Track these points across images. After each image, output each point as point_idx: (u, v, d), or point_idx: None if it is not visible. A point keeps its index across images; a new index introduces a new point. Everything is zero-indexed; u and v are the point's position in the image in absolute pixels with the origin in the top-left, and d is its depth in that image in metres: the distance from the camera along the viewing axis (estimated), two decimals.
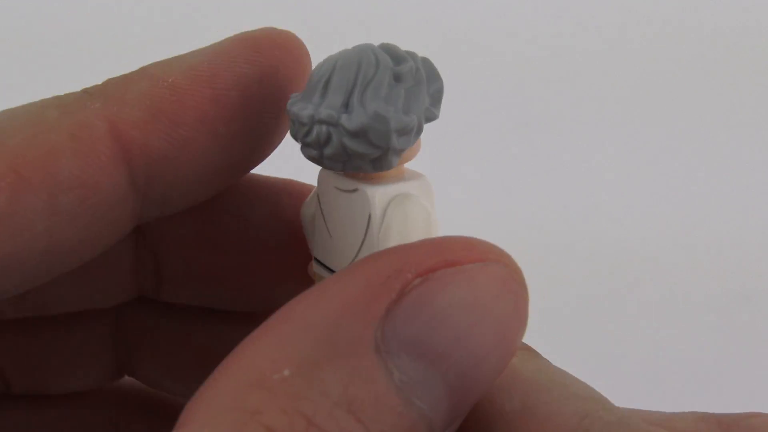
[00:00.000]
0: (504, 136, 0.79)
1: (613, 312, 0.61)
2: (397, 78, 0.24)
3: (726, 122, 0.82)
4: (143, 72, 0.25)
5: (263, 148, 0.26)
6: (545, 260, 0.66)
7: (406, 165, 0.26)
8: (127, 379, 0.32)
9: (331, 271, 0.26)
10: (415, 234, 0.24)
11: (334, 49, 0.24)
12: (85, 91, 0.25)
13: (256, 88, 0.25)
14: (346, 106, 0.23)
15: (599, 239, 0.71)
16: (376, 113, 0.23)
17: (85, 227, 0.23)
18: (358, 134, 0.23)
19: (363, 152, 0.23)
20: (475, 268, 0.19)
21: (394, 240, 0.23)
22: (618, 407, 0.21)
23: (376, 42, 0.25)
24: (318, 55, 0.25)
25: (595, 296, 0.63)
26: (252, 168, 0.27)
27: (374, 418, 0.17)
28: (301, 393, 0.16)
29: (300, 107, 0.23)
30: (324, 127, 0.23)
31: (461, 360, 0.18)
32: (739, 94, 0.83)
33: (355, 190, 0.24)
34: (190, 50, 0.26)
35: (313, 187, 0.27)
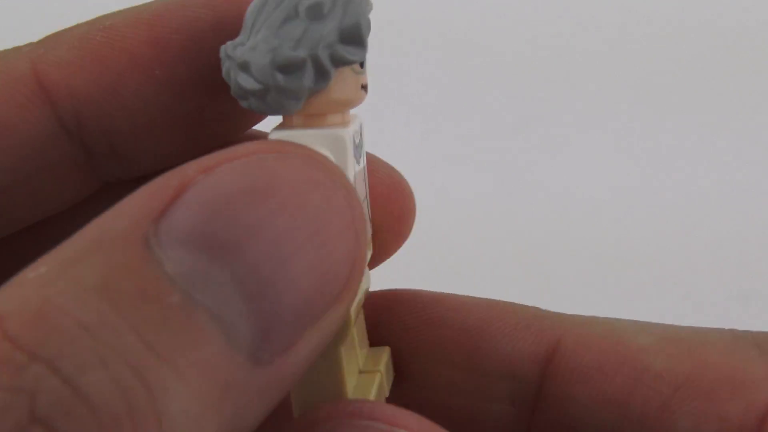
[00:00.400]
0: (505, 133, 0.80)
1: (612, 308, 0.61)
2: (298, 12, 0.23)
3: (727, 119, 0.82)
4: (87, 21, 0.24)
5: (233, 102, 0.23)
6: (545, 259, 0.66)
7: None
8: None
9: None
10: None
11: None
12: (29, 42, 0.24)
13: (209, 33, 0.24)
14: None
15: (599, 238, 0.71)
16: (255, 45, 0.22)
17: (7, 170, 0.23)
18: (242, 67, 0.22)
19: (248, 88, 0.22)
20: (268, 156, 0.18)
21: None
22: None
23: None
24: None
25: (593, 296, 0.63)
26: (241, 127, 0.26)
27: (137, 305, 0.15)
28: (49, 282, 0.15)
29: (225, 46, 0.23)
30: (227, 62, 0.22)
31: (256, 255, 0.16)
32: (740, 92, 0.83)
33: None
34: None
35: None
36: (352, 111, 0.25)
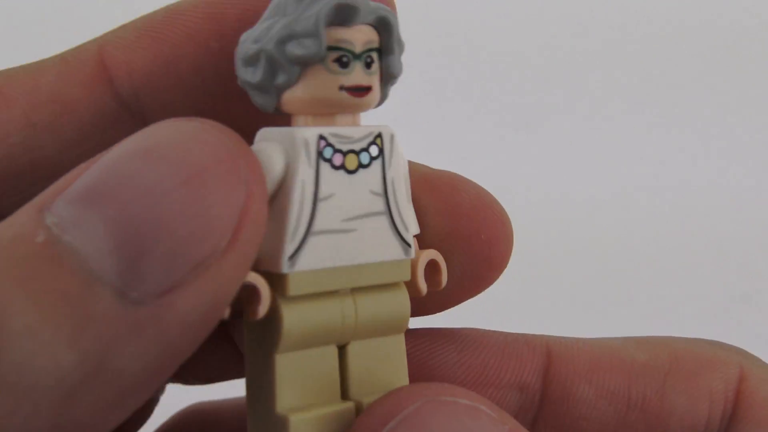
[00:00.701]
0: (504, 124, 0.80)
1: (611, 308, 0.61)
2: (272, 7, 0.23)
3: (728, 122, 0.82)
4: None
5: None
6: (546, 259, 0.66)
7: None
8: None
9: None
10: None
11: None
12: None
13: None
14: None
15: (599, 239, 0.72)
16: (244, 38, 0.23)
17: (72, 145, 0.24)
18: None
19: (240, 79, 0.23)
20: (162, 123, 0.19)
21: None
22: None
23: None
24: None
25: (594, 296, 0.63)
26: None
27: (5, 246, 0.18)
28: None
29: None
30: None
31: (127, 200, 0.18)
32: (741, 94, 0.83)
33: None
34: None
35: None
36: (376, 121, 0.24)
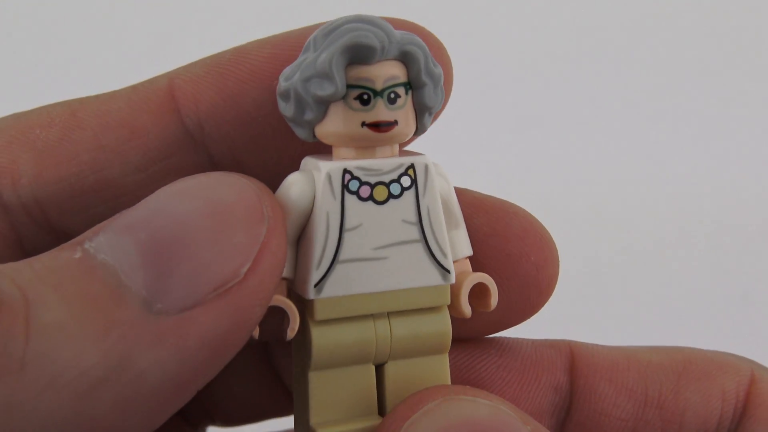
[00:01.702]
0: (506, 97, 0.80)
1: (611, 308, 0.62)
2: (308, 40, 0.24)
3: (729, 122, 0.82)
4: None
5: None
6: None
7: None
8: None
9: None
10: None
11: None
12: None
13: None
14: None
15: (599, 238, 0.72)
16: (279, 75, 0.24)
17: (137, 169, 0.26)
18: None
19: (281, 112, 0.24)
20: (192, 175, 0.22)
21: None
22: None
23: None
24: None
25: (594, 296, 0.64)
26: None
27: (46, 263, 0.20)
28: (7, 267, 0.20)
29: None
30: None
31: (157, 227, 0.20)
32: (742, 96, 0.83)
33: None
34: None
35: None
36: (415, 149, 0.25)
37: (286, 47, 0.26)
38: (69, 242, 0.21)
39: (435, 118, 0.26)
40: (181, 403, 0.21)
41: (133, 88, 0.26)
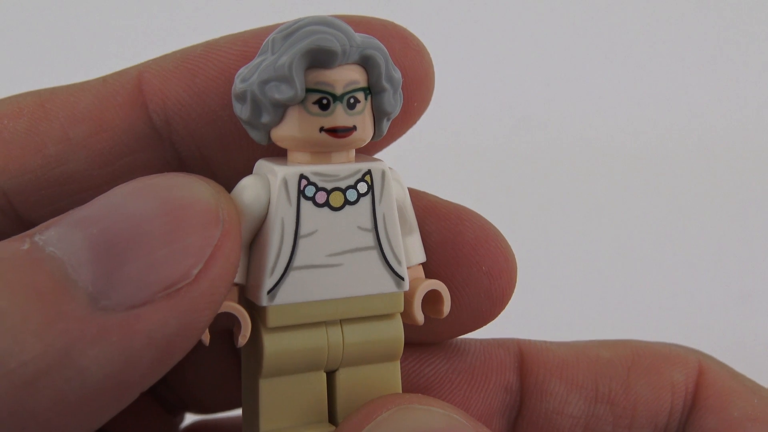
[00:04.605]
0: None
1: (611, 310, 0.62)
2: (265, 42, 0.24)
3: (730, 122, 0.82)
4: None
5: None
6: (547, 261, 0.66)
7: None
8: None
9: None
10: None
11: None
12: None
13: None
14: None
15: (600, 237, 0.72)
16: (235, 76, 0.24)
17: (103, 163, 0.25)
18: None
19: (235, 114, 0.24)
20: (152, 175, 0.22)
21: None
22: None
23: None
24: None
25: (595, 296, 0.64)
26: None
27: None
28: None
29: None
30: None
31: (109, 223, 0.20)
32: (743, 98, 0.83)
33: None
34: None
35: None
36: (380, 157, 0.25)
37: (257, 44, 0.25)
38: (20, 234, 0.21)
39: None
40: (125, 402, 0.21)
41: (103, 80, 0.26)
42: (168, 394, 0.33)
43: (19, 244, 0.20)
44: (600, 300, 0.63)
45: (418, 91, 0.26)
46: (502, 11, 0.84)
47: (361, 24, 0.25)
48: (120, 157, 0.26)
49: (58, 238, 0.20)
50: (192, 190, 0.21)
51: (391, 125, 0.25)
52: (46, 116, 0.25)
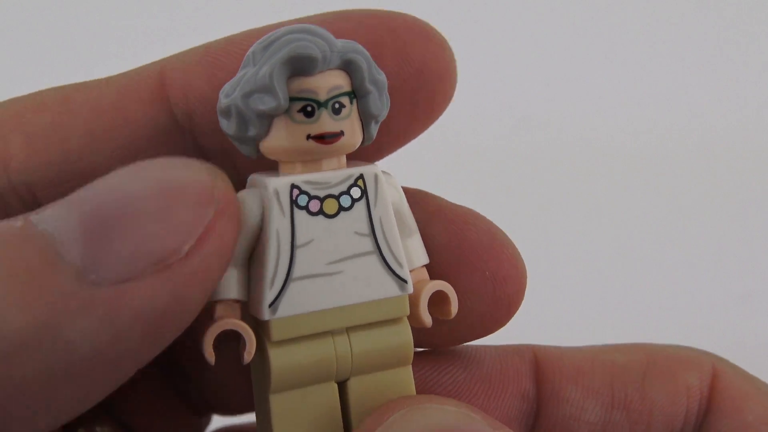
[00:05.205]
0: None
1: (615, 312, 0.62)
2: (247, 55, 0.24)
3: (730, 123, 0.82)
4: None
5: None
6: (547, 263, 0.66)
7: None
8: None
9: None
10: None
11: None
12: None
13: None
14: None
15: (600, 237, 0.72)
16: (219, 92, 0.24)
17: (125, 157, 0.25)
18: None
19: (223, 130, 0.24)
20: (158, 159, 0.22)
21: None
22: None
23: None
24: None
25: (595, 297, 0.64)
26: None
27: None
28: None
29: None
30: None
31: (101, 201, 0.20)
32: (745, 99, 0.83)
33: None
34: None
35: None
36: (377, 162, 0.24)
37: None
38: (21, 214, 0.21)
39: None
40: (118, 378, 0.21)
41: (125, 76, 0.26)
42: (194, 394, 0.32)
43: (14, 222, 0.20)
44: (599, 300, 0.63)
45: (440, 86, 0.26)
46: (501, 11, 0.84)
47: (380, 17, 0.25)
48: (142, 151, 0.26)
49: (52, 216, 0.20)
50: (188, 170, 0.21)
51: (411, 122, 0.25)
52: (69, 111, 0.26)
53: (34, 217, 0.21)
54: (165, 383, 0.32)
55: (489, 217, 0.27)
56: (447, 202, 0.27)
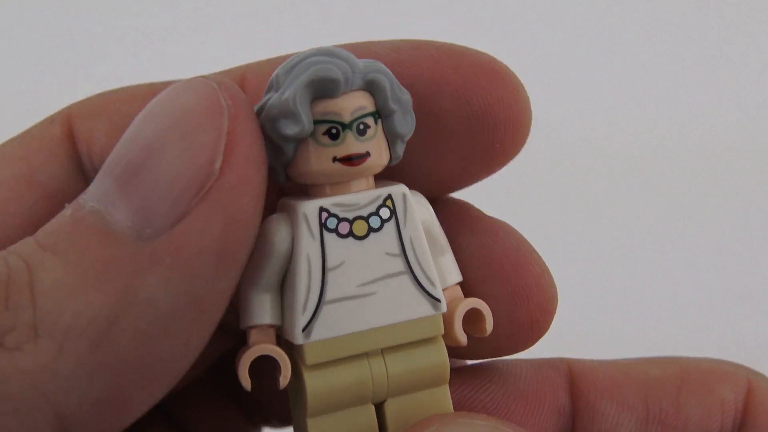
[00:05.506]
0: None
1: (615, 312, 0.62)
2: (271, 78, 0.24)
3: (730, 124, 0.82)
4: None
5: None
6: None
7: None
8: None
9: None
10: None
11: None
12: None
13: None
14: None
15: (600, 236, 0.72)
16: None
17: (28, 218, 0.26)
18: None
19: None
20: (165, 91, 0.22)
21: None
22: None
23: None
24: None
25: (596, 297, 0.64)
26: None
27: (44, 227, 0.21)
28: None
29: None
30: None
31: (128, 153, 0.21)
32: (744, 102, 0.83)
33: None
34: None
35: None
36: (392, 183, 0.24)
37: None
38: (71, 202, 0.22)
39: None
40: (210, 320, 0.21)
41: (40, 124, 0.27)
42: (251, 401, 0.33)
43: (64, 212, 0.21)
44: (599, 299, 0.63)
45: (503, 134, 0.25)
46: (501, 11, 0.84)
47: (448, 51, 0.24)
48: (48, 208, 0.26)
49: (94, 191, 0.21)
50: (193, 91, 0.21)
51: (466, 167, 0.25)
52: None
53: (82, 198, 0.21)
54: (224, 391, 0.32)
55: (499, 215, 0.27)
56: (480, 212, 0.27)
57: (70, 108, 0.27)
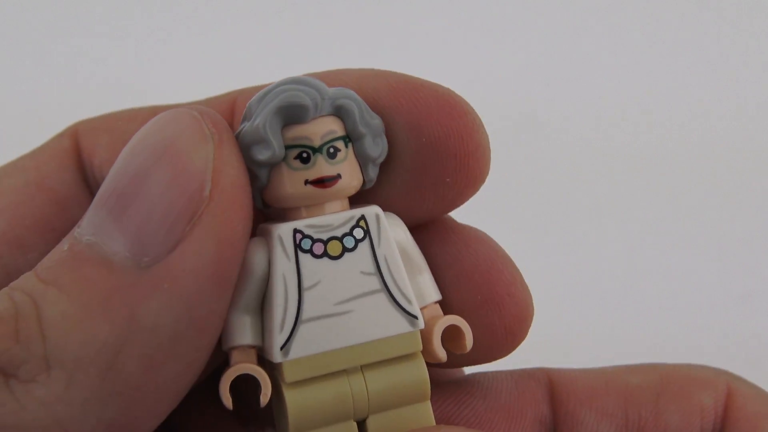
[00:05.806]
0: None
1: (615, 313, 0.62)
2: (246, 107, 0.24)
3: (730, 126, 0.82)
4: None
5: None
6: (547, 264, 0.66)
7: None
8: None
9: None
10: None
11: None
12: None
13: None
14: None
15: (601, 237, 0.72)
16: None
17: (38, 219, 0.27)
18: None
19: None
20: (149, 122, 0.23)
21: None
22: None
23: None
24: None
25: (596, 297, 0.64)
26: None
27: (44, 261, 0.22)
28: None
29: None
30: None
31: (121, 188, 0.21)
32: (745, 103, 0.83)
33: None
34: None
35: None
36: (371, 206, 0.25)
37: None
38: (66, 236, 0.22)
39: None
40: (212, 335, 0.22)
41: (51, 139, 0.29)
42: (253, 421, 0.33)
43: (61, 246, 0.22)
44: (598, 299, 0.63)
45: (455, 164, 0.25)
46: (501, 11, 0.84)
47: (406, 82, 0.25)
48: (53, 216, 0.28)
49: (89, 224, 0.22)
50: (175, 122, 0.22)
51: (426, 201, 0.25)
52: None
53: (77, 231, 0.22)
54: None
55: (489, 218, 0.27)
56: (453, 222, 0.27)
57: (77, 124, 0.28)
